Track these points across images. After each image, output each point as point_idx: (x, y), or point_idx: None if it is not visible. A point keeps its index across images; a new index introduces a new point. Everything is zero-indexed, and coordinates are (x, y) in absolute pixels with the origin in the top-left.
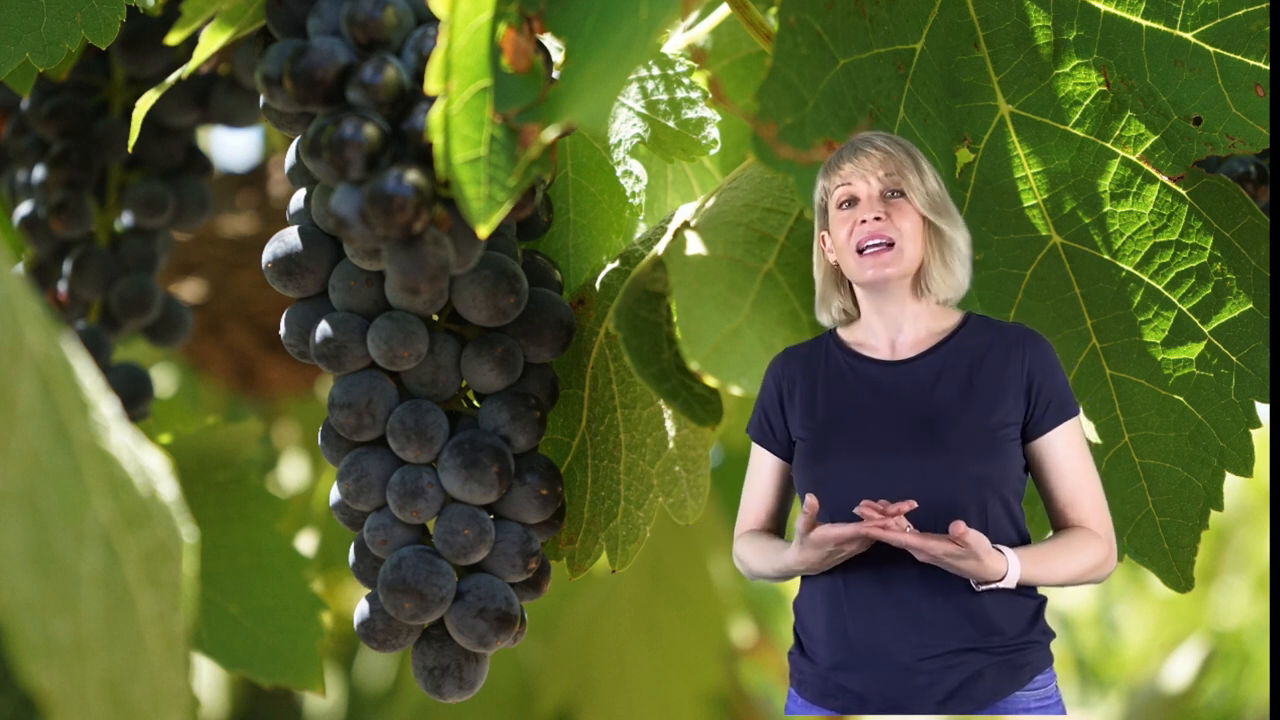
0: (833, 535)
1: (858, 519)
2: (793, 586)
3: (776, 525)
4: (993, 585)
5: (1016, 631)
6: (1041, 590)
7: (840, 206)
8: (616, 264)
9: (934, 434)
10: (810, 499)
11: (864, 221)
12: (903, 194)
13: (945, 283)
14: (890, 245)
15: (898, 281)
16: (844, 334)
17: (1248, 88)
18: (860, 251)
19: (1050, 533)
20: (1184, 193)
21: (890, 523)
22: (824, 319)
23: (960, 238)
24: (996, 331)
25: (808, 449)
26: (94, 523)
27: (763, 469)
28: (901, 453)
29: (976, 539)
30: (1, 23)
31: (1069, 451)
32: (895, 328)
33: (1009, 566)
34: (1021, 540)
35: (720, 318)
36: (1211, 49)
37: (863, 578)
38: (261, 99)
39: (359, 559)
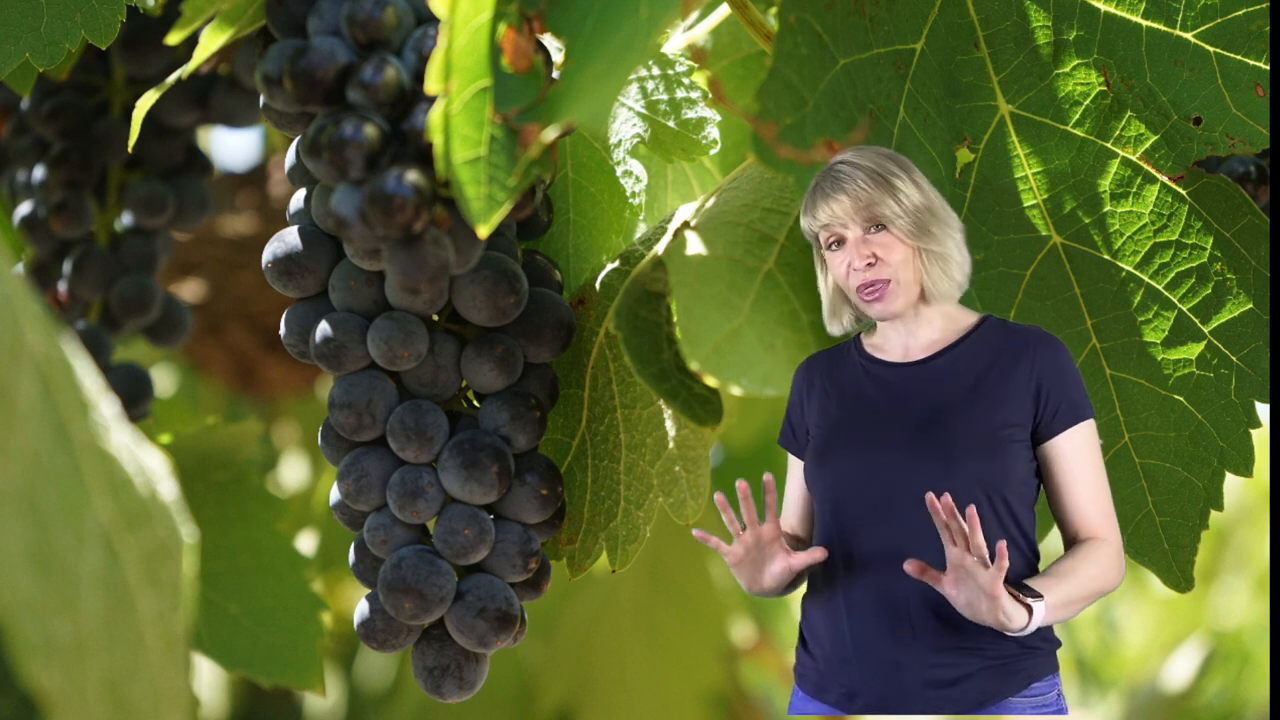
0: (725, 550)
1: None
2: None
3: (807, 530)
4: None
5: (1013, 636)
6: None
7: (829, 247)
8: (616, 264)
9: (933, 432)
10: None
11: (855, 269)
12: (884, 228)
13: (946, 286)
14: (887, 283)
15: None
16: (864, 338)
17: (1248, 88)
18: (860, 290)
19: (1058, 558)
20: (1184, 193)
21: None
22: (835, 330)
23: (951, 241)
24: (1009, 335)
25: (814, 447)
26: (94, 523)
27: (794, 474)
28: (899, 450)
29: (979, 543)
30: (1, 23)
31: (1078, 455)
32: (909, 332)
33: (1033, 615)
34: (1027, 543)
35: (720, 318)
36: (1211, 49)
37: (863, 578)
38: (261, 99)
39: (359, 559)
